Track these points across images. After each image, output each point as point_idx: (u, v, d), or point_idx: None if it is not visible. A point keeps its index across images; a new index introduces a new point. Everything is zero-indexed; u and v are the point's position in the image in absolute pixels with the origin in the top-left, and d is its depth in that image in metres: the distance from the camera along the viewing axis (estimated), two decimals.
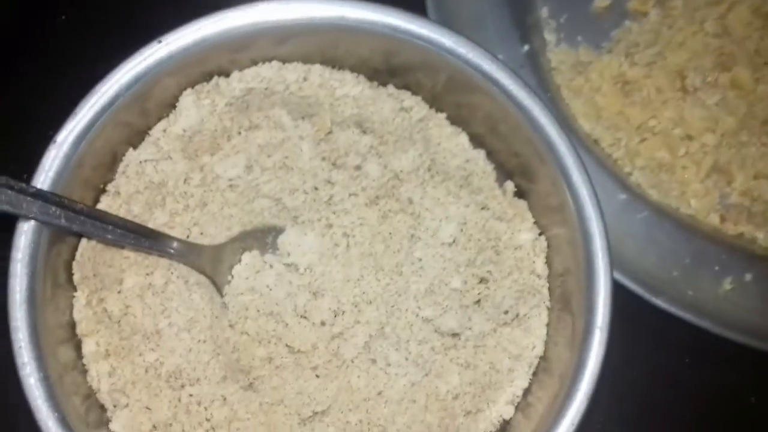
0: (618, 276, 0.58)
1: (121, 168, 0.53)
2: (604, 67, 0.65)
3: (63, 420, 0.43)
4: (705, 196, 0.63)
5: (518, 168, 0.55)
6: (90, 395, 0.48)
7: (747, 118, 0.64)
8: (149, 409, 0.48)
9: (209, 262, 0.52)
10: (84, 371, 0.49)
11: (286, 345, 0.50)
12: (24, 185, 0.44)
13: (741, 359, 0.61)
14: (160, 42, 0.49)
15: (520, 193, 0.55)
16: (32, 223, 0.45)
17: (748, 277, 0.60)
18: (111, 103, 0.49)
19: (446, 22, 0.61)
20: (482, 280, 0.53)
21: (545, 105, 0.51)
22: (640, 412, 0.60)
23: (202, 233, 0.53)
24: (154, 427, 0.48)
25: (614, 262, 0.57)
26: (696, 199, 0.63)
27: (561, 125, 0.51)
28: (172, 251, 0.50)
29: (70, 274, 0.50)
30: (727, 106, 0.63)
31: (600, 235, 0.48)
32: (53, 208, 0.45)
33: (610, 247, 0.48)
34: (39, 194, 0.44)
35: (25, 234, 0.45)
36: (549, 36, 0.68)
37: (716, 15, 0.65)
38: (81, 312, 0.49)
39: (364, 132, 0.55)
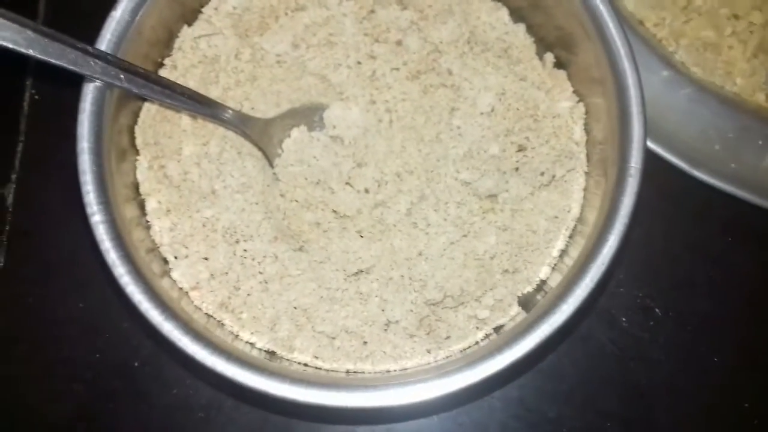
0: (659, 150, 0.59)
1: (177, 44, 0.56)
2: None
3: (133, 268, 0.46)
4: (751, 76, 0.62)
5: (559, 41, 0.56)
6: (153, 249, 0.52)
7: None
8: (207, 259, 0.52)
9: (260, 135, 0.54)
10: (148, 227, 0.53)
11: (333, 210, 0.53)
12: (88, 47, 0.47)
13: None
14: None
15: (559, 65, 0.56)
16: (96, 83, 0.48)
17: None
18: None
19: None
20: (521, 148, 0.54)
21: None
22: (679, 288, 0.61)
23: (253, 108, 0.55)
24: (212, 275, 0.52)
25: (655, 136, 0.58)
26: (742, 77, 0.62)
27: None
28: (226, 118, 0.53)
29: (132, 139, 0.54)
30: None
31: (637, 105, 0.48)
32: (115, 70, 0.48)
33: (646, 117, 0.48)
34: (101, 55, 0.47)
35: (90, 93, 0.48)
36: None
37: None
38: (144, 174, 0.53)
39: (405, 7, 0.56)
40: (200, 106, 0.52)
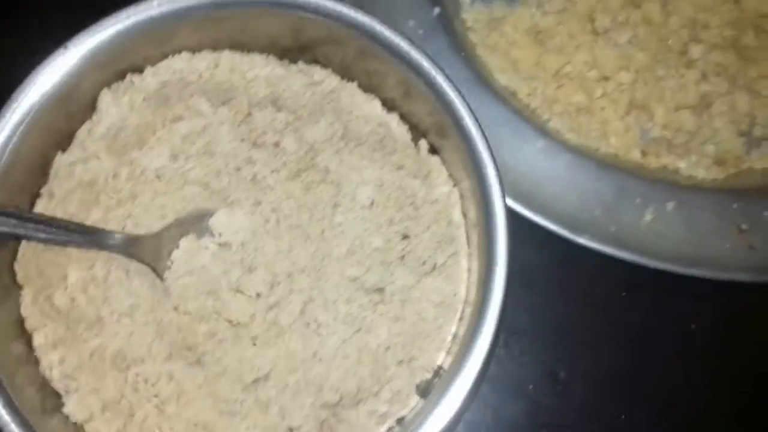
0: (541, 220, 0.60)
1: (52, 172, 0.56)
2: (517, 19, 0.67)
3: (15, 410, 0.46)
4: (625, 133, 0.65)
5: (432, 127, 0.57)
6: (45, 384, 0.51)
7: (661, 51, 0.66)
8: (97, 390, 0.51)
9: (149, 251, 0.54)
10: (37, 363, 0.52)
11: (226, 319, 0.53)
12: None
13: (678, 289, 0.63)
14: (66, 48, 0.52)
15: (434, 150, 0.58)
16: None
17: (670, 205, 0.62)
18: (31, 110, 0.52)
19: None
20: (404, 237, 0.55)
21: (443, 71, 0.53)
22: (582, 348, 0.63)
23: (137, 224, 0.55)
24: (104, 406, 0.51)
25: (536, 207, 0.60)
26: (616, 137, 0.64)
27: (470, 83, 0.54)
28: (112, 244, 0.53)
29: (13, 276, 0.53)
30: (639, 43, 0.65)
31: (495, 186, 0.51)
32: None
33: (506, 206, 0.51)
34: None
35: None
36: None
37: None
38: (28, 309, 0.53)
39: (279, 110, 0.57)
40: (82, 238, 0.52)
